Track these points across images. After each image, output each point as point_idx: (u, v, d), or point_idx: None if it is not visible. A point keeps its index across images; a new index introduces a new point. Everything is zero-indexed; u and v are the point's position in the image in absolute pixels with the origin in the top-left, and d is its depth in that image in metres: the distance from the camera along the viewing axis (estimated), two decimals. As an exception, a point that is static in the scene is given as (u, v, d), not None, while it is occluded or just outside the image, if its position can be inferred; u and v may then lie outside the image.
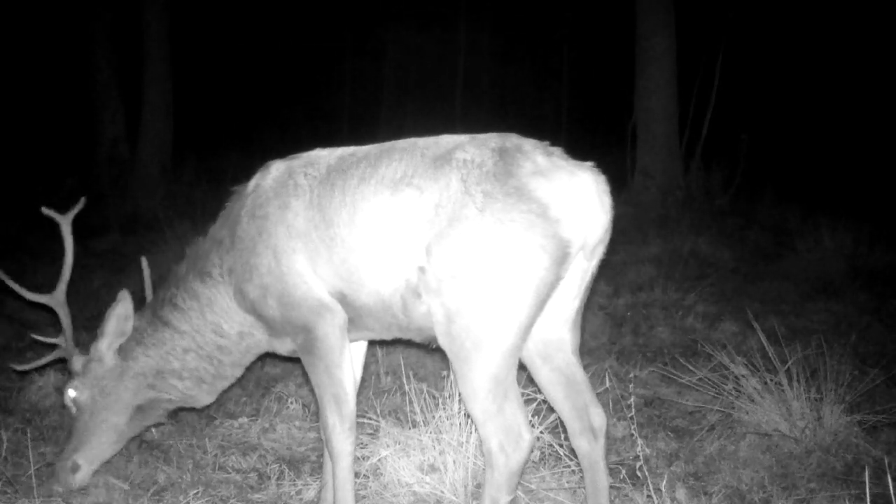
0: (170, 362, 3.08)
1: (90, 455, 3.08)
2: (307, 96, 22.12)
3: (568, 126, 19.69)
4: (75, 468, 3.06)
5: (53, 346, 3.20)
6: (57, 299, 3.12)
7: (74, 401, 3.11)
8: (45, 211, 3.09)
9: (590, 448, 2.65)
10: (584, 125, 18.86)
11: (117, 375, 3.09)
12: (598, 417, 2.66)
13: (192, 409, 3.35)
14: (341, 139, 3.80)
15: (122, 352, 3.10)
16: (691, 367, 4.04)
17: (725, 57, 10.58)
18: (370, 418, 3.47)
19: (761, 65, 15.31)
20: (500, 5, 20.97)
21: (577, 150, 2.65)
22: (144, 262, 3.44)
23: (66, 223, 3.16)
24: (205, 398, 3.18)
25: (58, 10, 13.78)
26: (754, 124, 11.73)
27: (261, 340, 3.01)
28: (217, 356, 3.06)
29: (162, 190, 10.41)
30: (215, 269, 2.95)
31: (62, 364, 3.42)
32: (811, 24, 14.58)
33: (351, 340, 2.88)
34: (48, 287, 3.17)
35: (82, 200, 3.21)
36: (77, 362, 3.13)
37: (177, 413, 3.45)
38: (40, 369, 4.17)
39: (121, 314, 3.07)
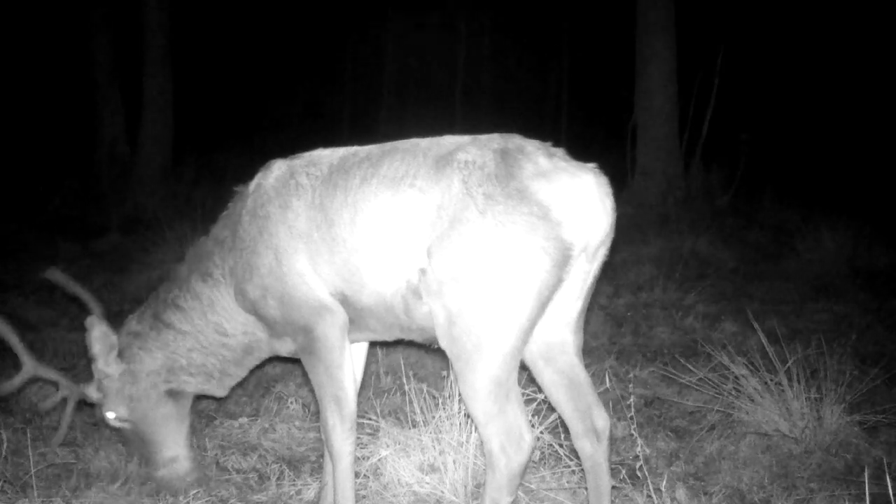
0: (177, 360, 3.07)
1: (173, 444, 3.07)
2: (307, 95, 22.13)
3: (568, 126, 19.69)
4: (173, 461, 3.05)
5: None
6: (30, 369, 2.99)
7: (118, 419, 3.07)
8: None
9: (593, 450, 2.64)
10: (584, 125, 18.86)
11: (132, 380, 3.06)
12: (602, 419, 2.65)
13: (214, 399, 3.32)
14: (341, 139, 3.80)
15: (124, 357, 3.06)
16: (691, 367, 4.04)
17: (725, 57, 10.57)
18: (370, 418, 3.47)
19: (761, 65, 15.31)
20: (501, 5, 20.97)
21: (577, 150, 2.64)
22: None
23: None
24: (218, 391, 3.18)
25: (58, 9, 13.78)
26: (754, 124, 11.73)
27: (261, 340, 3.01)
28: (221, 352, 3.06)
29: (162, 190, 10.40)
30: (217, 269, 2.94)
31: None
32: (811, 24, 14.58)
33: (353, 341, 2.88)
34: (48, 288, 3.14)
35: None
36: (91, 391, 3.08)
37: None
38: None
39: (98, 336, 3.01)
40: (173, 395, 3.11)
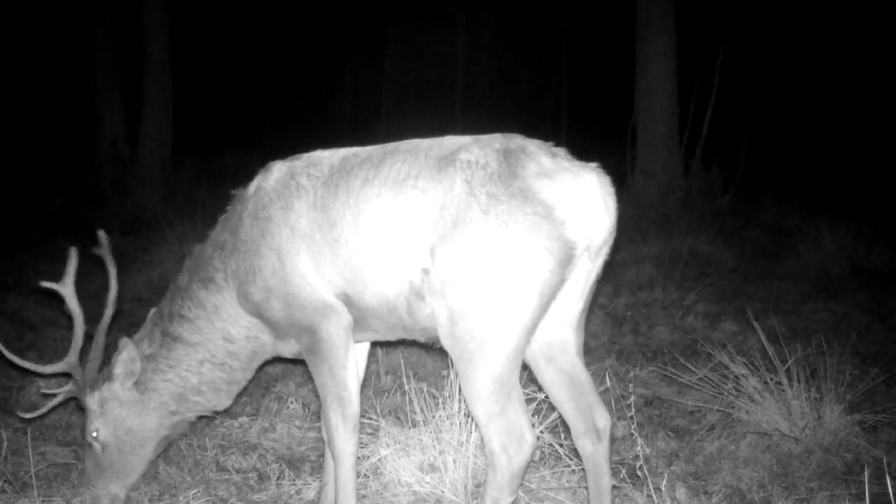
0: (189, 380, 3.04)
1: (125, 483, 3.06)
2: (307, 96, 22.14)
3: (568, 126, 19.69)
4: (116, 499, 3.03)
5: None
6: (70, 363, 3.01)
7: (97, 439, 3.03)
8: (45, 285, 2.98)
9: (593, 449, 2.65)
10: (584, 125, 18.86)
11: (139, 411, 3.03)
12: (602, 419, 2.66)
13: (215, 414, 3.32)
14: (342, 139, 3.80)
15: (139, 385, 3.04)
16: (691, 367, 4.04)
17: (725, 57, 10.58)
18: (370, 418, 3.48)
19: (761, 65, 15.30)
20: (501, 5, 20.98)
21: (578, 150, 2.64)
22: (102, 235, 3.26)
23: (67, 291, 3.02)
24: (224, 402, 3.18)
25: (58, 10, 13.79)
26: (754, 124, 11.73)
27: (266, 343, 3.01)
28: (228, 362, 3.04)
29: (162, 190, 10.42)
30: (218, 273, 2.93)
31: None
32: (811, 23, 14.58)
33: (355, 342, 2.88)
34: (47, 294, 3.12)
35: (74, 257, 3.02)
36: (92, 402, 3.04)
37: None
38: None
39: (126, 360, 2.99)
40: (167, 437, 3.12)
